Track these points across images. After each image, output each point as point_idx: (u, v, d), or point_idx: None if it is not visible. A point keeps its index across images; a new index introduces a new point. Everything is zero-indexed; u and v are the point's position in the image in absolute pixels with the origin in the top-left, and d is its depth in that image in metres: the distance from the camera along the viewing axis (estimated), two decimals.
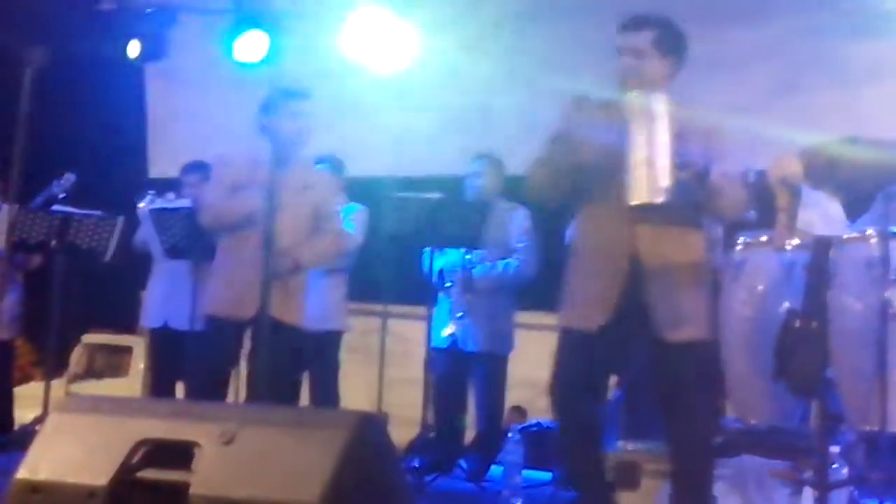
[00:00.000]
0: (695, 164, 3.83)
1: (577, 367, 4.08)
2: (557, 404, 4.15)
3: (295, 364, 5.48)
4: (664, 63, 4.10)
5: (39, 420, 6.31)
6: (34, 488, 2.88)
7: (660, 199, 3.76)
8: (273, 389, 4.80)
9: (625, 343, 4.09)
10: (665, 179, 3.75)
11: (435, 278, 6.35)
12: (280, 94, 5.27)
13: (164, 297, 6.71)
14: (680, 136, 3.80)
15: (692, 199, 3.91)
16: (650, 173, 3.74)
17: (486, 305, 6.38)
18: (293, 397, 5.49)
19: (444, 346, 6.37)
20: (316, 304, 6.37)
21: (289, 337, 5.18)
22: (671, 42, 4.13)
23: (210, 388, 5.20)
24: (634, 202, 3.78)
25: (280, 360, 4.99)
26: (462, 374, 6.51)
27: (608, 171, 3.89)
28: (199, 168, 6.70)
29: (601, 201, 4.02)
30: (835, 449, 4.32)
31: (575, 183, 4.08)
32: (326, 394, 6.56)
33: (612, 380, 6.25)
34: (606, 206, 3.98)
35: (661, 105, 3.79)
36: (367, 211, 6.57)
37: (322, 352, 6.48)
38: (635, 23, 4.11)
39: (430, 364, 6.00)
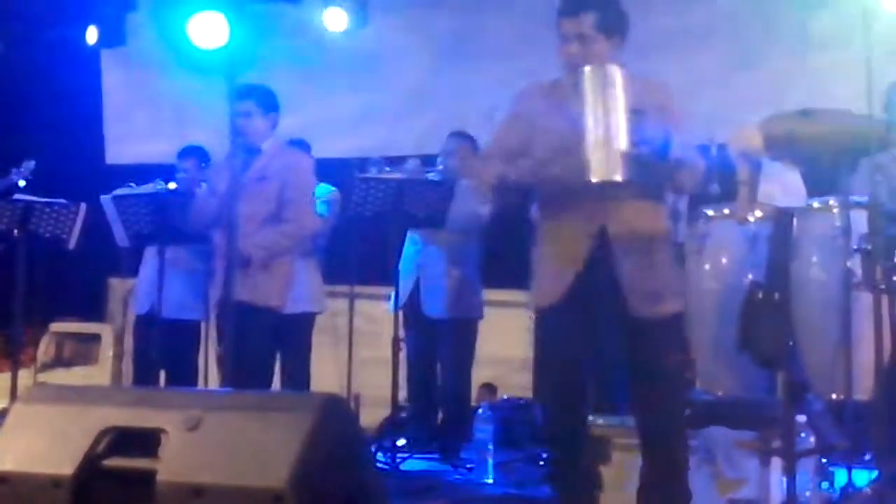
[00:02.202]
0: (653, 139, 3.79)
1: (555, 345, 4.08)
2: (543, 391, 4.17)
3: (272, 347, 5.62)
4: (610, 44, 4.01)
5: (6, 411, 6.27)
6: None
7: (619, 177, 3.72)
8: (251, 373, 4.96)
9: (593, 318, 4.07)
10: (623, 156, 3.71)
11: None
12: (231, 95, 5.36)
13: (151, 284, 6.68)
14: (636, 111, 3.76)
15: (651, 174, 3.88)
16: (608, 151, 3.70)
17: (451, 270, 6.40)
18: (269, 381, 5.57)
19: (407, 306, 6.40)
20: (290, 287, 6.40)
21: (265, 319, 5.38)
22: (614, 21, 4.04)
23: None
24: (594, 180, 3.74)
25: (258, 344, 5.28)
26: (430, 342, 6.52)
27: (566, 151, 3.85)
28: (193, 153, 6.68)
29: (563, 180, 3.98)
30: (801, 418, 4.36)
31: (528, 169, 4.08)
32: (298, 375, 6.56)
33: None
34: (568, 184, 3.94)
35: (616, 78, 3.73)
36: (339, 192, 6.56)
37: (295, 333, 6.48)
38: (575, 6, 4.02)
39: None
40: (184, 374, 6.56)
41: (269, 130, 5.63)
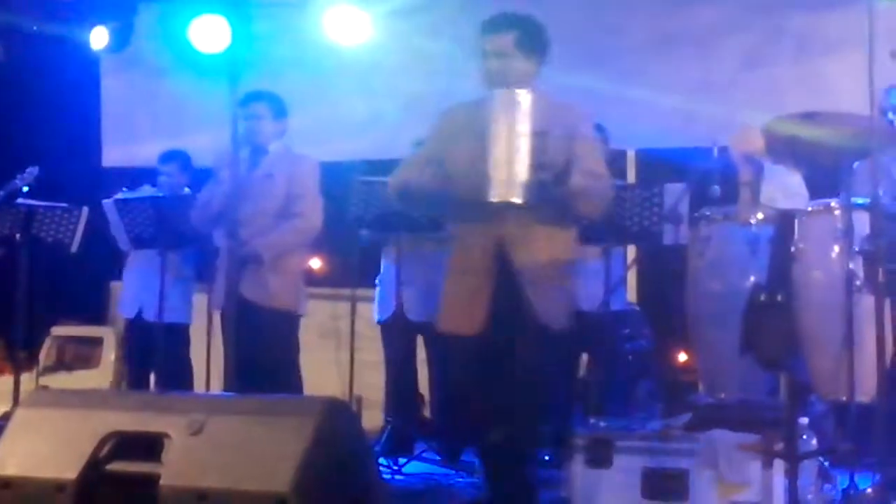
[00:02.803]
0: (554, 164, 3.86)
1: (460, 377, 4.15)
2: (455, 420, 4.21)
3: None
4: (528, 63, 4.11)
5: (9, 415, 6.27)
6: (3, 483, 2.87)
7: (517, 199, 3.79)
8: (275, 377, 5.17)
9: (509, 342, 4.07)
10: (523, 178, 3.78)
11: None
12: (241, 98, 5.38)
13: (139, 287, 6.69)
14: (543, 135, 3.82)
15: (552, 199, 3.93)
16: (509, 171, 3.77)
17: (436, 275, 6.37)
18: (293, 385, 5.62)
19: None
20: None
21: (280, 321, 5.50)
22: (533, 41, 4.13)
23: None
24: (493, 199, 3.81)
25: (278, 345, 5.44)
26: (412, 347, 6.50)
27: (472, 169, 3.90)
28: (175, 157, 6.69)
29: (466, 196, 4.02)
30: (804, 420, 4.36)
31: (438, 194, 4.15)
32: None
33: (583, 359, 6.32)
34: (475, 206, 3.98)
35: (524, 101, 3.80)
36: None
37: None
38: (495, 24, 4.13)
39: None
40: (181, 378, 6.55)
41: (278, 136, 5.71)
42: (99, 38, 8.06)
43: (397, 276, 6.22)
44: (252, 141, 5.57)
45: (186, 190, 6.55)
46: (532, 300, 4.01)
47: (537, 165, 3.80)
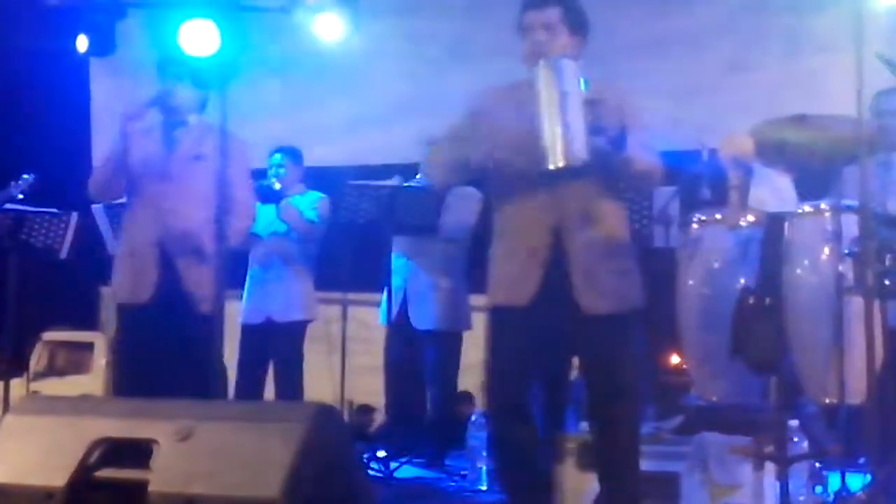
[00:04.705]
0: (609, 128, 3.76)
1: (511, 348, 3.97)
2: (493, 393, 4.03)
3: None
4: (573, 40, 4.05)
5: None
6: None
7: (576, 162, 3.67)
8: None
9: (555, 319, 3.95)
10: (579, 142, 3.67)
11: None
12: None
13: None
14: (593, 103, 3.73)
15: (610, 167, 3.85)
16: (564, 136, 3.64)
17: (440, 281, 6.37)
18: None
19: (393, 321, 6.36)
20: (282, 295, 6.38)
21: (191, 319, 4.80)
22: (578, 19, 4.09)
23: None
24: (551, 166, 3.68)
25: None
26: (415, 353, 6.48)
27: (523, 149, 3.80)
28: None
29: (521, 179, 3.94)
30: (794, 423, 4.36)
31: (479, 167, 4.05)
32: (292, 385, 6.52)
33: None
34: (526, 183, 3.91)
35: (570, 67, 3.72)
36: (329, 199, 6.54)
37: (288, 342, 6.48)
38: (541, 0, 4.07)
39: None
40: None
41: (198, 107, 5.15)
42: (83, 43, 8.05)
43: (390, 280, 6.24)
44: (165, 103, 5.03)
45: None
46: (577, 284, 3.88)
47: (592, 130, 3.70)
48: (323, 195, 6.59)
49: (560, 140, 3.67)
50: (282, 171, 6.49)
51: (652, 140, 4.06)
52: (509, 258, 4.02)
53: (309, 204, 6.46)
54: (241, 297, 6.50)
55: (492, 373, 4.02)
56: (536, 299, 3.91)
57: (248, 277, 6.52)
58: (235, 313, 6.21)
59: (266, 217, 6.33)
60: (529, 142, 3.73)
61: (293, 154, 6.61)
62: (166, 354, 4.77)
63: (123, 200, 5.21)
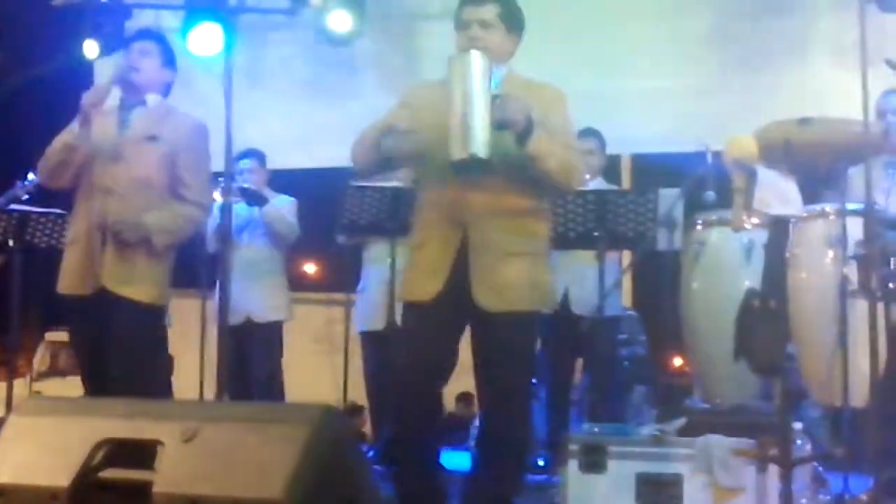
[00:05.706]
0: (515, 122, 3.79)
1: (420, 344, 4.00)
2: (403, 387, 4.04)
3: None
4: (508, 38, 4.10)
5: (2, 422, 6.27)
6: None
7: (477, 154, 3.69)
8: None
9: (456, 315, 3.99)
10: (481, 135, 3.70)
11: None
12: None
13: None
14: (502, 96, 3.78)
15: (514, 160, 3.86)
16: (465, 127, 3.69)
17: None
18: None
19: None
20: (258, 295, 6.36)
21: (130, 312, 4.57)
22: (514, 17, 4.12)
23: None
24: (453, 159, 3.73)
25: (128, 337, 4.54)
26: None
27: (443, 145, 3.81)
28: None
29: (437, 172, 3.96)
30: (798, 425, 4.36)
31: (403, 157, 4.09)
32: (270, 385, 6.50)
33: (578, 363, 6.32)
34: (441, 176, 3.93)
35: (478, 61, 3.76)
36: (296, 202, 6.58)
37: (266, 342, 6.48)
38: None
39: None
40: None
41: (162, 86, 4.82)
42: (91, 48, 8.05)
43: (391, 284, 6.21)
44: (127, 79, 4.73)
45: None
46: (474, 280, 3.92)
47: (496, 124, 3.75)
48: (291, 199, 6.60)
49: (461, 132, 3.72)
50: (252, 175, 6.55)
51: (570, 141, 4.09)
52: (420, 250, 4.07)
53: (283, 208, 6.49)
54: (216, 297, 6.50)
55: (400, 368, 4.04)
56: (440, 296, 3.94)
57: (223, 278, 6.51)
58: (211, 313, 6.15)
59: (245, 219, 6.38)
60: (445, 135, 3.79)
61: (260, 157, 6.66)
62: (110, 348, 4.58)
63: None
